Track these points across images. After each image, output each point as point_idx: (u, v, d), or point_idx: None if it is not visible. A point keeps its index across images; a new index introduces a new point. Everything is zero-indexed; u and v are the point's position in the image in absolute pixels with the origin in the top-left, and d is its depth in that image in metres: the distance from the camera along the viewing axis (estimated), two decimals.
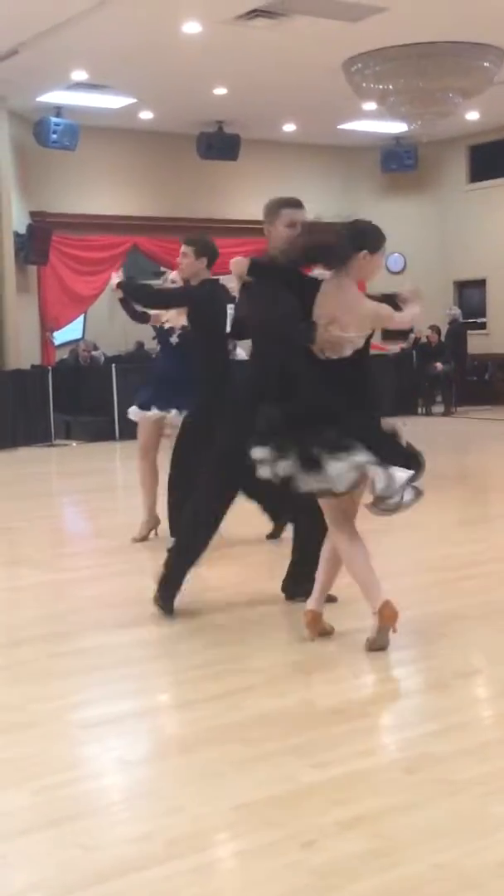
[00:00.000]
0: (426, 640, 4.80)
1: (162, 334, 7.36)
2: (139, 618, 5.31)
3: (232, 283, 6.97)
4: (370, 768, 3.42)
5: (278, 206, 5.18)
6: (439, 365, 17.49)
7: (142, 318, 7.78)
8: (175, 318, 7.16)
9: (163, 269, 18.26)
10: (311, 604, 4.78)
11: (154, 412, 7.21)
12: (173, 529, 6.79)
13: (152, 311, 7.57)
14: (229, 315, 6.72)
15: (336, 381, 4.71)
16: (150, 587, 6.07)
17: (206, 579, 6.05)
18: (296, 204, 5.16)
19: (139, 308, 7.69)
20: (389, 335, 16.77)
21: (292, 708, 4.00)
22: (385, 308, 4.82)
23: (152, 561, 6.71)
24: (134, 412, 7.41)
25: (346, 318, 4.68)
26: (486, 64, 13.34)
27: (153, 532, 7.20)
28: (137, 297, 7.22)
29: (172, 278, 7.17)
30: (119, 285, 6.89)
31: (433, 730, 3.75)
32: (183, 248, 6.74)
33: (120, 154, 17.25)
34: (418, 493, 4.60)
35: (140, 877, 2.78)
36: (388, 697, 4.22)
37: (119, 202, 17.32)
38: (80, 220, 16.86)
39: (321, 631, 4.78)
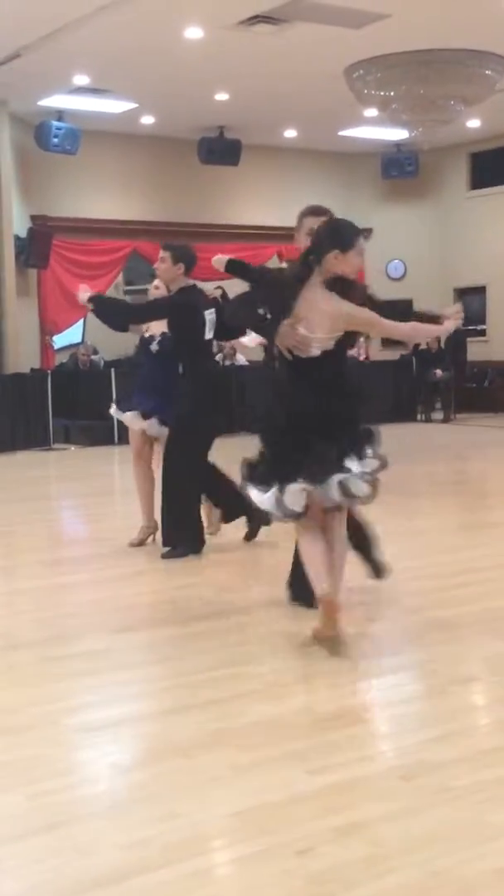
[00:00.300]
0: (424, 647, 4.78)
1: (143, 342, 7.35)
2: (136, 622, 5.30)
3: (211, 289, 7.01)
4: (367, 775, 3.40)
5: (302, 216, 5.18)
6: (439, 372, 17.50)
7: (122, 327, 7.78)
8: (155, 326, 7.13)
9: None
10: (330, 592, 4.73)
11: (129, 416, 7.20)
12: (166, 539, 6.81)
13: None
14: (210, 321, 6.74)
15: (305, 382, 4.76)
16: (148, 592, 6.07)
17: (202, 584, 6.04)
18: (318, 212, 5.11)
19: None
20: (389, 343, 16.82)
21: (289, 714, 3.99)
22: (364, 312, 4.76)
23: (150, 566, 6.72)
24: (113, 410, 7.41)
25: (313, 317, 4.71)
26: (487, 72, 13.37)
27: (151, 538, 7.18)
28: (112, 315, 7.16)
29: (156, 284, 7.15)
30: (91, 300, 6.70)
31: (431, 736, 3.74)
32: (161, 254, 6.79)
33: (121, 158, 17.27)
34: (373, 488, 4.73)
35: (136, 883, 2.76)
36: (385, 704, 4.21)
37: (120, 206, 17.34)
38: (81, 224, 16.89)
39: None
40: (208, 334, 6.79)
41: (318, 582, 4.67)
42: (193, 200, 17.72)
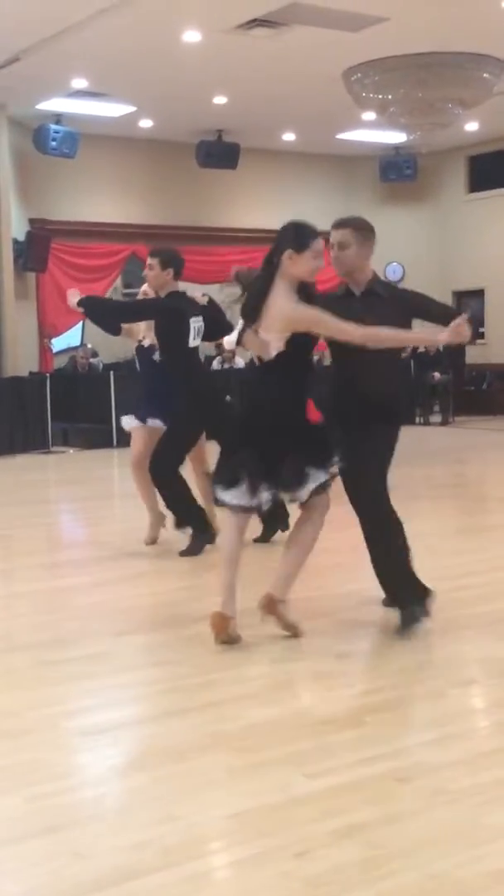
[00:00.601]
0: (423, 650, 4.79)
1: (142, 352, 7.35)
2: (135, 626, 5.31)
3: (199, 296, 7.04)
4: (364, 777, 3.41)
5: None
6: (437, 375, 17.50)
7: (114, 331, 7.78)
8: (152, 335, 7.13)
9: None
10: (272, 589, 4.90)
11: (150, 424, 7.22)
12: (179, 522, 6.89)
13: (125, 324, 7.59)
14: (195, 328, 6.76)
15: (262, 385, 4.85)
16: (147, 595, 6.08)
17: (200, 588, 6.05)
18: (338, 225, 5.06)
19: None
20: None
21: (287, 717, 4.00)
22: (307, 312, 4.73)
23: (148, 569, 6.73)
24: (127, 422, 7.41)
25: (267, 319, 4.77)
26: (485, 75, 13.38)
27: (162, 528, 7.21)
28: (101, 315, 7.18)
29: (144, 290, 7.16)
30: (80, 303, 6.72)
31: (428, 739, 3.75)
32: (149, 261, 6.80)
33: (119, 162, 17.28)
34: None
35: (134, 885, 2.77)
36: (383, 707, 4.21)
37: (118, 210, 17.35)
38: (79, 227, 16.90)
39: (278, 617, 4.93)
40: (193, 342, 6.80)
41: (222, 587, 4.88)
42: (192, 204, 17.73)
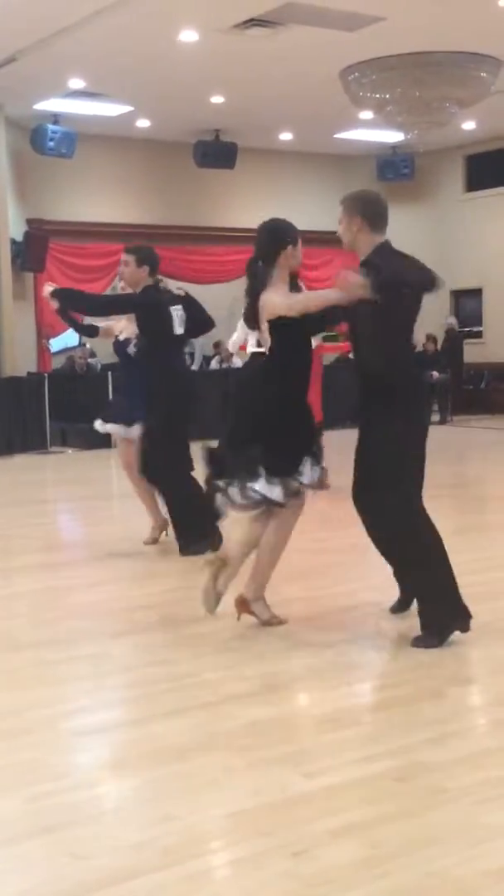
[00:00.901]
0: (421, 649, 4.78)
1: (119, 346, 7.35)
2: (134, 626, 5.31)
3: (178, 290, 7.05)
4: (363, 777, 3.41)
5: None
6: (436, 374, 17.50)
7: (89, 332, 7.76)
8: (129, 328, 7.13)
9: (158, 276, 18.32)
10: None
11: (113, 427, 7.22)
12: (179, 536, 6.86)
13: (101, 324, 7.57)
14: (178, 316, 6.77)
15: (257, 381, 5.14)
16: (145, 595, 6.08)
17: (199, 587, 6.05)
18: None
19: (86, 320, 7.69)
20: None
21: (285, 716, 4.00)
22: (273, 297, 4.87)
23: (147, 569, 6.73)
24: (97, 425, 7.41)
25: (263, 316, 4.93)
26: (482, 74, 13.37)
27: (163, 533, 7.20)
28: (78, 306, 7.18)
29: (121, 287, 7.17)
30: (53, 294, 6.71)
31: (426, 738, 3.75)
32: (124, 257, 6.81)
33: (117, 162, 17.27)
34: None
35: (133, 885, 2.77)
36: (381, 705, 4.22)
37: (116, 210, 17.34)
38: (77, 227, 16.88)
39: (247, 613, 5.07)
40: (178, 329, 6.80)
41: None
42: (189, 204, 17.72)
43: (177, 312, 6.80)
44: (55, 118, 15.62)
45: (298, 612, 5.33)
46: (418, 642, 4.75)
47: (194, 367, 17.16)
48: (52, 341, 17.19)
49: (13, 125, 15.70)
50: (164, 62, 13.02)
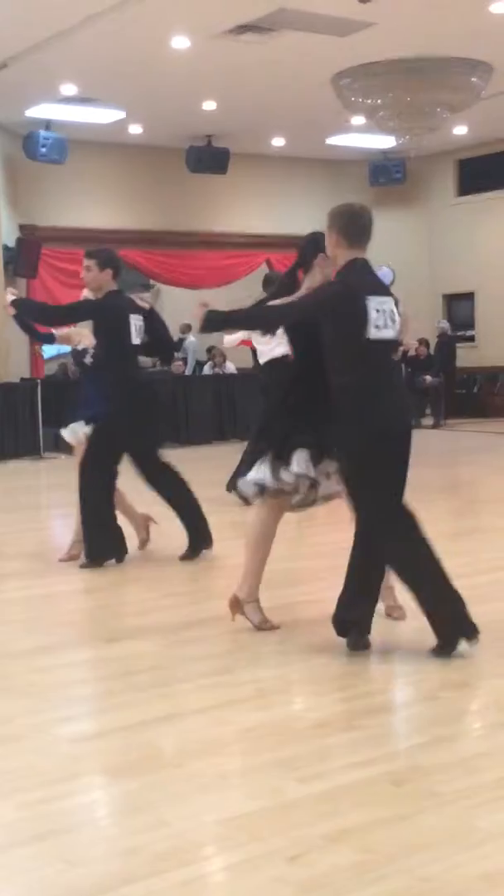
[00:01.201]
0: (414, 653, 4.78)
1: (76, 355, 7.32)
2: (126, 631, 5.30)
3: (143, 301, 7.04)
4: (357, 781, 3.40)
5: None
6: (428, 378, 17.53)
7: (47, 339, 7.71)
8: (88, 338, 7.08)
9: (152, 281, 18.30)
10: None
11: (66, 432, 7.21)
12: (96, 551, 6.79)
13: (58, 332, 7.54)
14: (137, 326, 6.74)
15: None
16: (138, 601, 6.07)
17: (192, 593, 6.05)
18: None
19: (42, 329, 7.67)
20: None
21: (279, 721, 3.99)
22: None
23: (139, 575, 6.72)
24: (67, 434, 7.38)
25: None
26: (473, 79, 13.41)
27: (151, 523, 7.21)
28: (36, 316, 7.15)
29: (85, 293, 7.11)
30: (13, 304, 6.69)
31: (421, 742, 3.74)
32: (86, 262, 6.75)
33: (109, 168, 17.28)
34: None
35: (126, 892, 2.76)
36: (375, 710, 4.21)
37: (108, 215, 17.34)
38: (69, 233, 16.87)
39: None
40: (136, 339, 6.76)
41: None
42: (182, 209, 17.73)
43: (136, 322, 6.74)
44: (47, 124, 15.62)
45: (292, 617, 5.32)
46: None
47: (188, 373, 17.16)
48: (44, 347, 17.16)
49: (5, 131, 15.71)
50: (156, 68, 13.04)
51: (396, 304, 4.84)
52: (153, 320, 6.93)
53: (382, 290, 4.82)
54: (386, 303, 4.72)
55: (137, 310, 6.83)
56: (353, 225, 4.87)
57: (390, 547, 4.79)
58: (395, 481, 4.71)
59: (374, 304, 4.66)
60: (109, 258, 6.77)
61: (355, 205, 5.08)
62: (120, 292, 6.80)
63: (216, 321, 4.93)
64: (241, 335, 9.48)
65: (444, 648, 4.67)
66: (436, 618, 4.73)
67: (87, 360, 7.12)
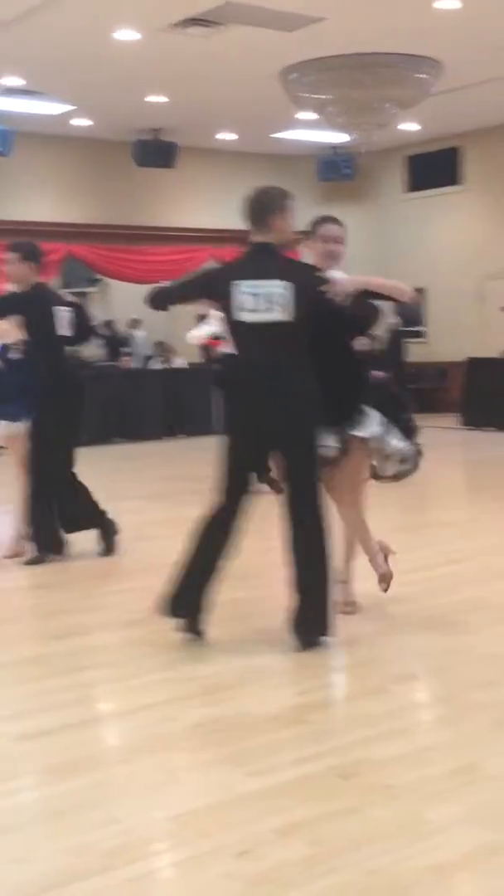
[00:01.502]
0: (364, 646, 4.80)
1: (1, 351, 7.27)
2: (75, 628, 5.26)
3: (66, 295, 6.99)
4: (307, 775, 3.40)
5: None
6: (380, 374, 17.58)
7: None
8: (13, 333, 7.01)
9: (98, 276, 18.20)
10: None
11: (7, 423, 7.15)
12: (40, 547, 6.76)
13: None
14: (65, 318, 6.72)
15: None
16: (85, 597, 6.03)
17: (139, 589, 6.01)
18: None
19: None
20: None
21: (228, 717, 3.98)
22: None
23: (87, 571, 6.67)
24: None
25: None
26: (422, 75, 13.45)
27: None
28: None
29: (10, 289, 7.06)
30: None
31: (370, 735, 3.75)
32: (9, 256, 6.72)
33: (55, 161, 17.15)
34: None
35: (75, 889, 2.74)
36: (325, 704, 4.21)
37: (54, 209, 17.21)
38: (14, 226, 16.66)
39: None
40: (64, 330, 6.73)
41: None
42: (129, 203, 17.64)
43: (64, 313, 6.72)
44: None
45: (239, 613, 5.31)
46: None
47: (135, 366, 17.05)
48: None
49: None
50: (102, 60, 12.94)
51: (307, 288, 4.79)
52: (79, 312, 6.97)
53: (265, 274, 4.78)
54: (263, 286, 4.73)
55: (64, 302, 6.84)
56: (249, 209, 5.07)
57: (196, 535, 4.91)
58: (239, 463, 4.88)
59: (246, 287, 4.71)
60: (31, 250, 6.75)
61: (259, 188, 5.21)
62: (44, 284, 6.79)
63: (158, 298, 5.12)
64: (205, 331, 9.48)
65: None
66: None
67: (13, 355, 7.04)
